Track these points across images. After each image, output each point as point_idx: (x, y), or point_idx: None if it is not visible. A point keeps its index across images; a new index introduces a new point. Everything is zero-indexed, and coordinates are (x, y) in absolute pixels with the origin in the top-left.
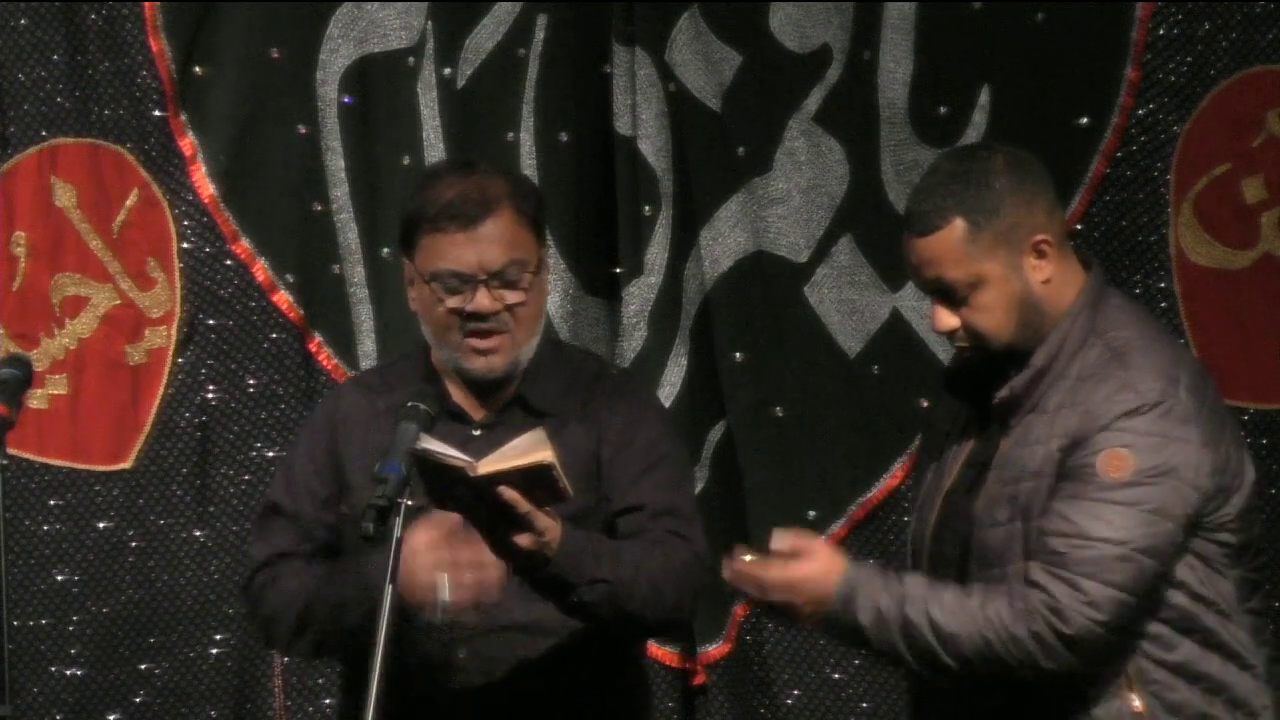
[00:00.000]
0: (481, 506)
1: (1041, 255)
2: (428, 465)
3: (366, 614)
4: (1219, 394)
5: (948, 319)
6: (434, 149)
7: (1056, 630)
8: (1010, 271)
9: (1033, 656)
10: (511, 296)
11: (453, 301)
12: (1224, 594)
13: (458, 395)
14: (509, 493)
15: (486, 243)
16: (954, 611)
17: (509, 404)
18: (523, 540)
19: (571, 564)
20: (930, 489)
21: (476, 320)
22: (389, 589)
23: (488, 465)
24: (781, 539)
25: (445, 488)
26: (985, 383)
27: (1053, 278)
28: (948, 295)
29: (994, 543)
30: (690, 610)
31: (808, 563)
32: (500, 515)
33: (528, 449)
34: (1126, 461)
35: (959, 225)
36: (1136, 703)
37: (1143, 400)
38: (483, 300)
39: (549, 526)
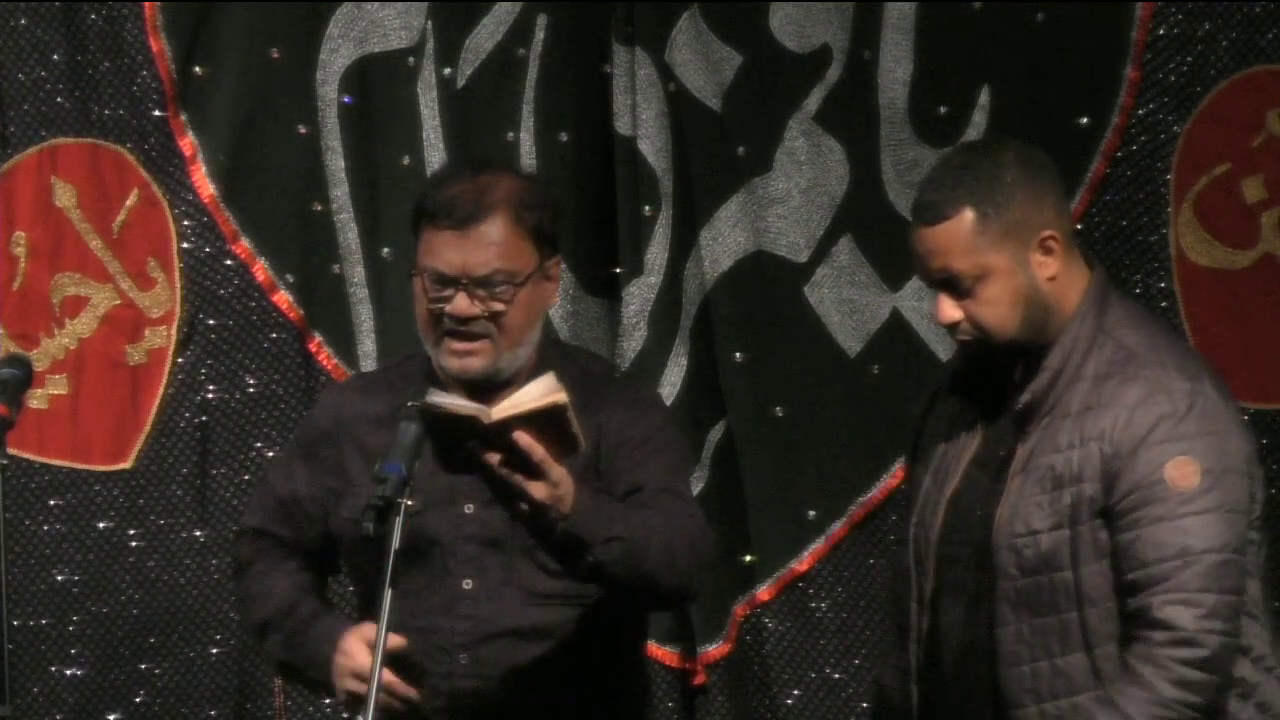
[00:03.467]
0: (495, 459)
1: (1048, 251)
2: (438, 421)
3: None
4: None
5: (951, 310)
6: (434, 149)
7: (1193, 660)
8: (1017, 265)
9: (1192, 702)
10: (494, 305)
11: (433, 300)
12: (1253, 595)
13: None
14: (524, 438)
15: (475, 247)
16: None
17: None
18: (538, 491)
19: (586, 522)
20: (930, 492)
21: (454, 322)
22: (388, 592)
23: (501, 411)
24: None
25: (456, 445)
26: (989, 383)
27: (1059, 275)
28: (953, 286)
29: (1035, 552)
30: (699, 580)
31: None
32: (514, 466)
33: (541, 393)
34: (1192, 468)
35: (968, 216)
36: None
37: (1177, 404)
38: (461, 303)
39: (563, 477)
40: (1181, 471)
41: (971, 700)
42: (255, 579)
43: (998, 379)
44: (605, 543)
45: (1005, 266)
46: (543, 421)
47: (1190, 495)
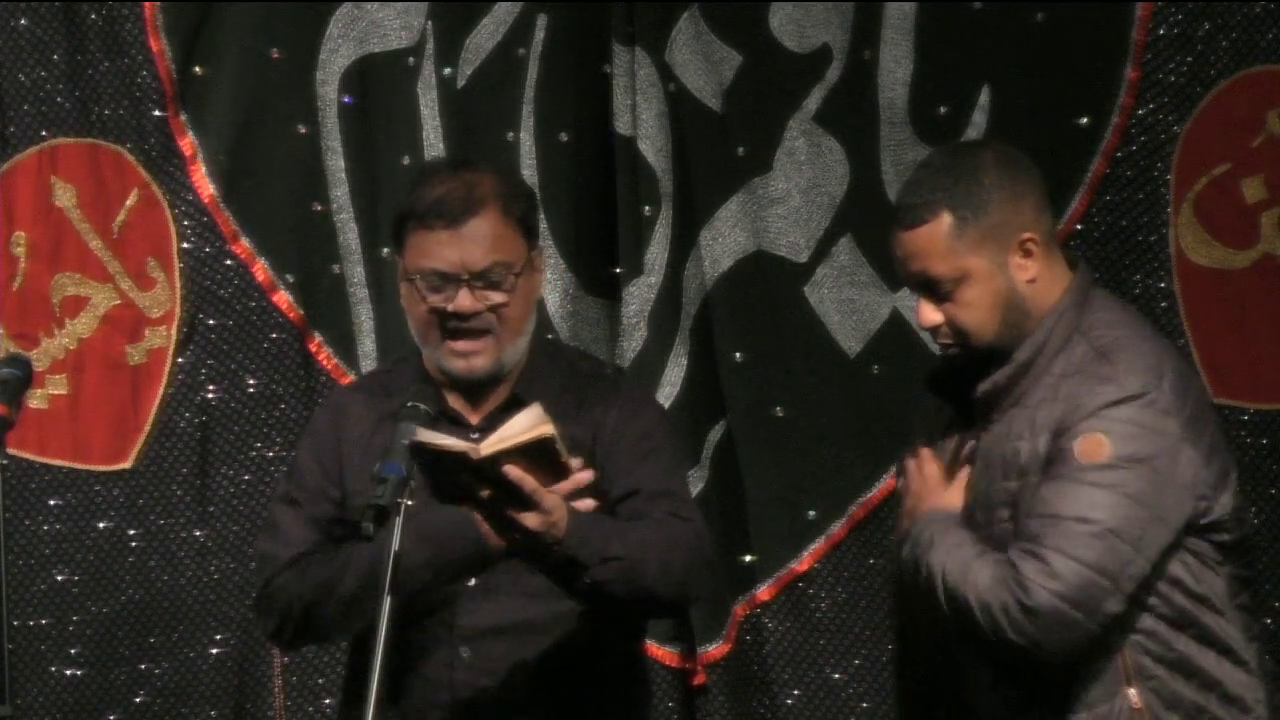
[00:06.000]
0: (486, 493)
1: (1028, 254)
2: (427, 457)
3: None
4: (1205, 392)
5: (931, 314)
6: (434, 149)
7: (1020, 602)
8: (995, 268)
9: (998, 626)
10: (495, 297)
11: (434, 300)
12: (1216, 591)
13: (453, 399)
14: (514, 471)
15: (470, 242)
16: (958, 564)
17: (504, 406)
18: (531, 521)
19: (582, 543)
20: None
21: (457, 320)
22: (387, 599)
23: (490, 446)
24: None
25: (447, 479)
26: (968, 383)
27: (1038, 277)
28: (932, 290)
29: (986, 540)
30: (699, 588)
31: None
32: (506, 498)
33: (528, 425)
34: (1102, 447)
35: (946, 219)
36: (1135, 698)
37: (1124, 392)
38: (464, 300)
39: (556, 505)
40: (1089, 446)
41: (949, 682)
42: (321, 565)
43: (975, 378)
44: (602, 563)
45: (984, 270)
46: (532, 452)
47: (1087, 467)
